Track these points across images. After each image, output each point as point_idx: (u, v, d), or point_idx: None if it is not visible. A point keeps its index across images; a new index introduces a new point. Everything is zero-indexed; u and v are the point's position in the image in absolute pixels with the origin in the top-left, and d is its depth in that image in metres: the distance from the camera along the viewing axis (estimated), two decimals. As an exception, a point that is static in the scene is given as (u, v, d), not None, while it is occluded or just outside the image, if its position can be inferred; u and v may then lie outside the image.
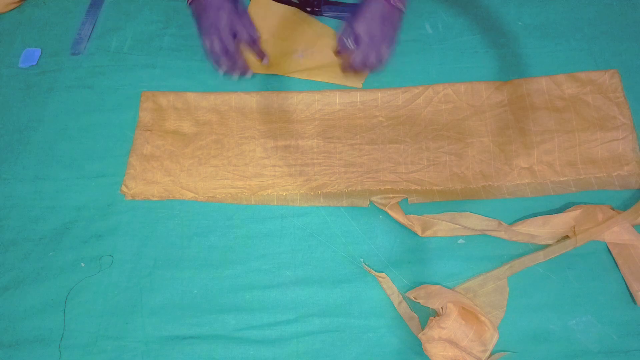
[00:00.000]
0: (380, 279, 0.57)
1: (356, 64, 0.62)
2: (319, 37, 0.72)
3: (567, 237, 0.58)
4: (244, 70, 0.66)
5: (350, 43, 0.62)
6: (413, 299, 0.55)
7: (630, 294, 0.55)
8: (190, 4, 0.64)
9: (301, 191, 0.63)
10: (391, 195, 0.61)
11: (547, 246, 0.58)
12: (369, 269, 0.58)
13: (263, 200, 0.63)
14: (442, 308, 0.53)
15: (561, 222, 0.57)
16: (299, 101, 0.68)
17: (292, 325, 0.56)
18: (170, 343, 0.55)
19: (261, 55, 0.67)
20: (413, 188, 0.62)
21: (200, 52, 0.73)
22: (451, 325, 0.51)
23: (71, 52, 0.74)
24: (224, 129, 0.67)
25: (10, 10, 0.78)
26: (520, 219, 0.59)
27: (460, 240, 0.59)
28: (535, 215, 0.59)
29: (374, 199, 0.61)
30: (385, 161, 0.64)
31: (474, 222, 0.59)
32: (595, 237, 0.56)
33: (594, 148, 0.63)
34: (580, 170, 0.62)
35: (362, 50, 0.61)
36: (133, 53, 0.73)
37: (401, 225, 0.60)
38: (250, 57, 0.67)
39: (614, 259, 0.57)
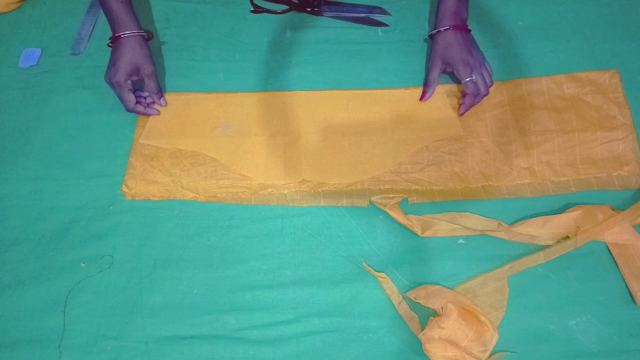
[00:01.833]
0: (380, 279, 0.57)
1: (475, 95, 0.64)
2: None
3: (567, 237, 0.58)
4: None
5: (469, 80, 0.64)
6: (413, 299, 0.55)
7: (630, 294, 0.55)
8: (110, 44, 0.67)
9: (302, 189, 0.63)
10: (391, 195, 0.61)
11: (547, 247, 0.58)
12: (369, 268, 0.58)
13: (263, 200, 0.63)
14: (442, 308, 0.53)
15: (561, 222, 0.57)
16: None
17: (292, 325, 0.56)
18: (170, 343, 0.55)
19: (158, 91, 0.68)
20: (413, 188, 0.62)
21: (200, 52, 0.73)
22: (451, 326, 0.51)
23: (71, 52, 0.74)
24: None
25: (10, 10, 0.78)
26: (520, 219, 0.59)
27: (460, 240, 0.59)
28: (535, 215, 0.59)
29: (374, 199, 0.61)
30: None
31: (474, 222, 0.59)
32: (596, 238, 0.56)
33: (594, 148, 0.63)
34: (580, 170, 0.62)
35: (475, 81, 0.63)
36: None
37: (401, 225, 0.60)
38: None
39: (614, 259, 0.57)
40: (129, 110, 0.66)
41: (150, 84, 0.67)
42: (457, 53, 0.64)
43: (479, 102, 0.65)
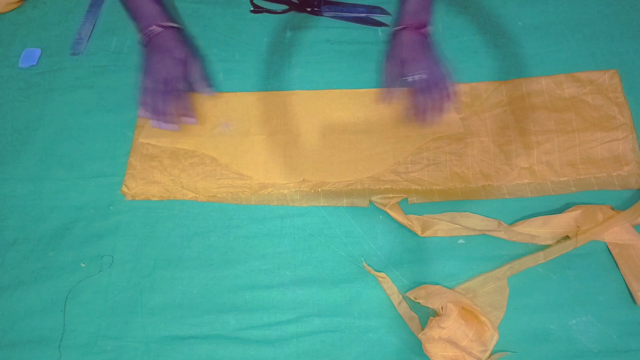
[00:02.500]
0: (380, 279, 0.57)
1: (420, 93, 0.62)
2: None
3: (567, 237, 0.58)
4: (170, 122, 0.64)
5: (417, 77, 0.62)
6: (413, 299, 0.55)
7: (630, 294, 0.55)
8: (145, 45, 0.65)
9: (302, 189, 0.63)
10: (391, 195, 0.61)
11: (547, 246, 0.58)
12: (369, 268, 0.58)
13: (263, 200, 0.63)
14: (442, 308, 0.53)
15: (561, 222, 0.57)
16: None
17: (292, 325, 0.56)
18: (170, 343, 0.55)
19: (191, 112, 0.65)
20: (413, 188, 0.62)
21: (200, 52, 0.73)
22: (451, 325, 0.51)
23: (71, 52, 0.74)
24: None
25: (10, 10, 0.78)
26: (520, 219, 0.59)
27: (460, 240, 0.59)
28: (535, 215, 0.59)
29: (374, 199, 0.61)
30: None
31: (474, 222, 0.59)
32: (596, 238, 0.56)
33: (594, 148, 0.63)
34: (580, 170, 0.62)
35: (428, 84, 0.62)
36: (133, 53, 0.73)
37: (401, 225, 0.60)
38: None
39: (614, 259, 0.57)
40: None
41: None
42: (408, 52, 0.63)
43: (435, 106, 0.62)
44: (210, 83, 0.67)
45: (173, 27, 0.65)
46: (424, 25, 0.65)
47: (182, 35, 0.66)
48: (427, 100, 0.62)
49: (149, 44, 0.64)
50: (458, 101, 0.64)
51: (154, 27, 0.63)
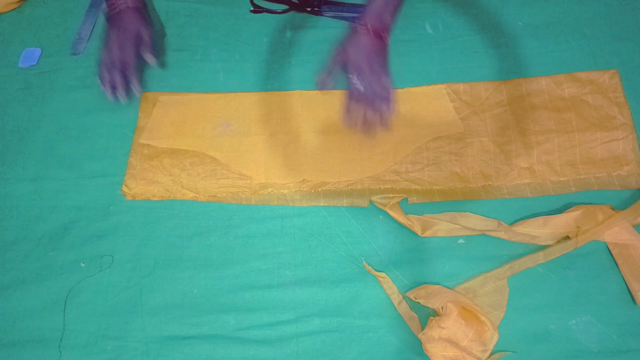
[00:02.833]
0: (380, 278, 0.57)
1: (356, 99, 0.59)
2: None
3: (567, 237, 0.58)
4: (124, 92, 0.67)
5: (356, 80, 0.59)
6: (413, 299, 0.55)
7: (630, 294, 0.55)
8: (107, 19, 0.69)
9: (302, 189, 0.63)
10: (391, 195, 0.61)
11: (547, 246, 0.58)
12: (369, 268, 0.58)
13: (263, 200, 0.63)
14: (442, 308, 0.53)
15: (561, 222, 0.57)
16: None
17: (292, 325, 0.56)
18: (170, 343, 0.55)
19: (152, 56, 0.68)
20: (413, 188, 0.62)
21: (200, 52, 0.73)
22: (451, 325, 0.51)
23: (71, 52, 0.74)
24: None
25: (10, 10, 0.78)
26: (520, 219, 0.59)
27: (460, 240, 0.59)
28: (535, 215, 0.59)
29: (374, 198, 0.61)
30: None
31: (474, 222, 0.59)
32: (596, 237, 0.56)
33: (594, 148, 0.63)
34: (580, 170, 0.62)
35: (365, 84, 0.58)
36: (133, 53, 0.73)
37: (401, 225, 0.60)
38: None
39: (614, 259, 0.57)
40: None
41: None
42: (356, 55, 0.59)
43: (369, 119, 0.59)
44: (156, 55, 0.69)
45: (133, 7, 0.68)
46: (384, 29, 0.60)
47: (140, 14, 0.69)
48: (360, 111, 0.59)
49: (111, 21, 0.68)
50: (395, 114, 0.60)
51: (117, 7, 0.67)
